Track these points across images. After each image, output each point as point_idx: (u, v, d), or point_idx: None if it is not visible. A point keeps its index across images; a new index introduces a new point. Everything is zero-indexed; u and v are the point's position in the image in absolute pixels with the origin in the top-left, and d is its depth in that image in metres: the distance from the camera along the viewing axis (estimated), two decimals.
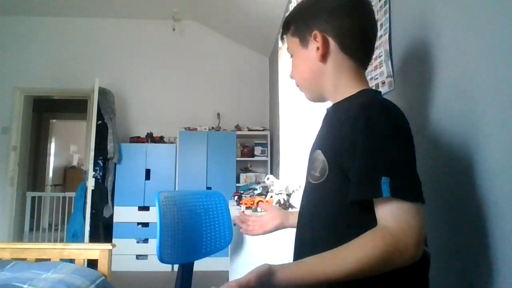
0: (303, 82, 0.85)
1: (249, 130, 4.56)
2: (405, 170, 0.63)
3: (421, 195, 0.62)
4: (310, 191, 0.80)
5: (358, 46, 0.79)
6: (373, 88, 1.31)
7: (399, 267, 0.58)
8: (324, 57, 0.79)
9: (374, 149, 0.64)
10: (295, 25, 0.84)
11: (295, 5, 0.87)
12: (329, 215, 0.73)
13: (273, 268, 0.59)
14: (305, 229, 0.81)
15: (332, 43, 0.79)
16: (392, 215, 0.60)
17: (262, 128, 4.60)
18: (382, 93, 1.23)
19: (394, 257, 0.57)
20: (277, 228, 1.07)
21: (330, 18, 0.79)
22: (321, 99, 0.86)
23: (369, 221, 0.63)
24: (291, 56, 0.87)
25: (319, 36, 0.79)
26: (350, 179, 0.66)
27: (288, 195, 1.99)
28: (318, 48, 0.79)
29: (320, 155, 0.75)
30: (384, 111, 0.67)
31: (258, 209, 1.99)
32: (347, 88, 0.79)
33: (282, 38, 0.89)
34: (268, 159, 4.50)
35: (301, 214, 0.85)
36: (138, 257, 4.09)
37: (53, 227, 5.04)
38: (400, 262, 0.58)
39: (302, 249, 0.80)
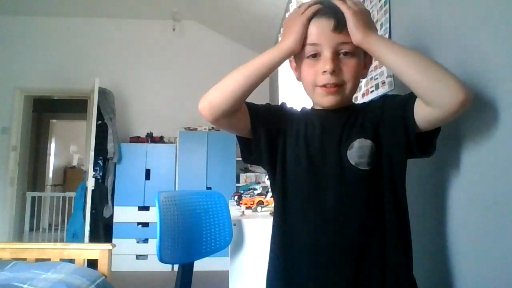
0: (353, 84, 0.81)
1: None
2: None
3: None
4: (355, 179, 0.77)
5: None
6: (373, 87, 1.31)
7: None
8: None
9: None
10: None
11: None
12: (385, 200, 0.77)
13: None
14: (355, 220, 0.77)
15: None
16: None
17: None
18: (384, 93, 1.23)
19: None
20: None
21: None
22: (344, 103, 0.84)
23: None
24: (348, 53, 0.78)
25: None
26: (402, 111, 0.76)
27: None
28: (367, 62, 0.85)
29: (363, 142, 0.78)
30: None
31: (258, 208, 2.00)
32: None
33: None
34: None
35: (337, 206, 0.78)
36: (138, 257, 4.09)
37: (53, 227, 5.05)
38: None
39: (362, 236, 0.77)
